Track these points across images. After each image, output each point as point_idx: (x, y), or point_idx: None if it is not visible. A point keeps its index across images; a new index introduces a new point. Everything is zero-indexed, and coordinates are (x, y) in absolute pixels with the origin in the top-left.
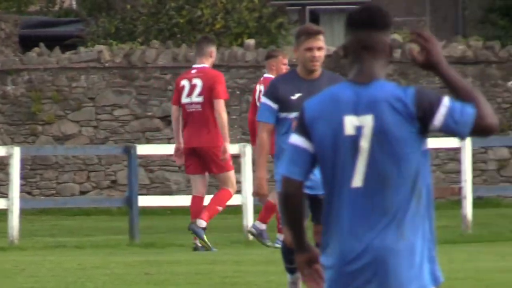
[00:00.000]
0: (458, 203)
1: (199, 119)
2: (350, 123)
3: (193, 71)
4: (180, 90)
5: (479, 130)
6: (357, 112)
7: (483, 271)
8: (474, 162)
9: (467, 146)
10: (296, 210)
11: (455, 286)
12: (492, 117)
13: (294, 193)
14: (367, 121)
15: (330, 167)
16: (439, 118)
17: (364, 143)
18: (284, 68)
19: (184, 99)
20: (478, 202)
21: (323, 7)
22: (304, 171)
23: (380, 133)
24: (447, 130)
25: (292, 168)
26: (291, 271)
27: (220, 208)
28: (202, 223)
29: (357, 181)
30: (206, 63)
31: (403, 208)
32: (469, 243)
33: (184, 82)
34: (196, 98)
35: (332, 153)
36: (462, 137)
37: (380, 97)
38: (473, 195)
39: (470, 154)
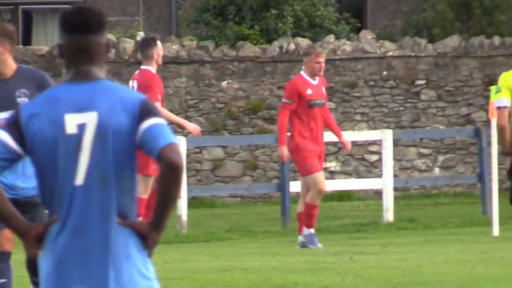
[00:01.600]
0: None
1: None
2: (71, 121)
3: (136, 72)
4: None
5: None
6: (79, 109)
7: (198, 271)
8: (189, 162)
9: (181, 146)
10: None
11: (171, 286)
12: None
13: None
14: (91, 118)
15: (52, 166)
16: (141, 128)
17: (87, 141)
18: (318, 67)
19: None
20: (193, 202)
21: (36, 6)
22: None
23: (102, 130)
24: (141, 144)
25: None
26: (35, 283)
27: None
28: None
29: (80, 179)
30: (147, 65)
31: (122, 206)
32: (184, 243)
33: (130, 83)
34: None
35: (54, 153)
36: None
37: (106, 95)
38: (188, 195)
39: (185, 154)
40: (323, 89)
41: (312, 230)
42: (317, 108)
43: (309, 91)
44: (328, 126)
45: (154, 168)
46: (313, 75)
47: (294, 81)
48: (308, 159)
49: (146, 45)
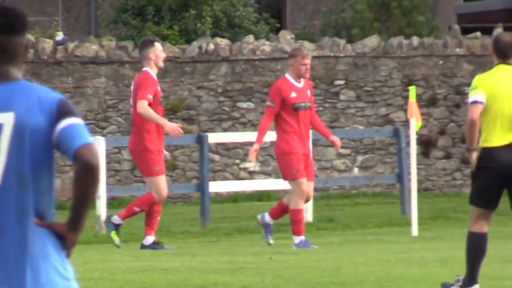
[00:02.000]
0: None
1: (132, 122)
2: None
3: (137, 74)
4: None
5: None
6: None
7: (118, 271)
8: (108, 162)
9: (100, 146)
10: None
11: (90, 287)
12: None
13: None
14: (7, 118)
15: None
16: (58, 128)
17: (4, 141)
18: (304, 69)
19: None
20: (112, 202)
21: None
22: None
23: (19, 131)
24: (57, 144)
25: None
26: None
27: (137, 210)
28: (116, 219)
29: None
30: (146, 67)
31: (39, 207)
32: (103, 243)
33: (132, 87)
34: (131, 101)
35: None
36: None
37: (24, 95)
38: (107, 195)
39: (104, 154)
40: (308, 92)
41: (302, 237)
42: (303, 111)
43: (293, 94)
44: (315, 128)
45: (156, 170)
46: (298, 77)
47: (278, 84)
48: (294, 162)
49: (143, 46)
